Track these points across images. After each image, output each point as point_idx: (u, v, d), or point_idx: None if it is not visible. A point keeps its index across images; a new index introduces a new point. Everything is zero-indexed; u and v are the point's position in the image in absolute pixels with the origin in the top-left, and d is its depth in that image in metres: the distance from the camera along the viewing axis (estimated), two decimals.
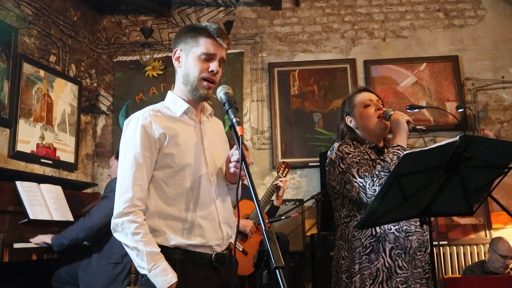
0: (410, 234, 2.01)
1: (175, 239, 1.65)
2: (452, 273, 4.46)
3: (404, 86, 5.02)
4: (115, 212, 1.63)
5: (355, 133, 2.22)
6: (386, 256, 1.98)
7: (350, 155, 2.06)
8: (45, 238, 3.24)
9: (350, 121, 2.22)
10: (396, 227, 2.01)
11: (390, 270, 1.97)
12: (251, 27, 5.30)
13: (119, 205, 1.63)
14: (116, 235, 1.64)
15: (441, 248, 4.55)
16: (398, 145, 2.04)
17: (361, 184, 1.98)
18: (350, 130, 2.23)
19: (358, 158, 2.05)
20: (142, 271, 1.60)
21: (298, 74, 5.12)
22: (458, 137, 1.61)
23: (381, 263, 1.98)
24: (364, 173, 1.98)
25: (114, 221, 1.63)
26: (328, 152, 2.18)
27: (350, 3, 5.28)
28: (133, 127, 1.70)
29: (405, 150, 2.00)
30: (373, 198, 1.91)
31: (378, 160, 2.03)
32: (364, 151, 2.12)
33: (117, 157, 3.71)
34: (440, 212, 1.87)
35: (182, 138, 1.72)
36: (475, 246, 4.54)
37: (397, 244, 1.99)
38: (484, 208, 4.61)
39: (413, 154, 1.60)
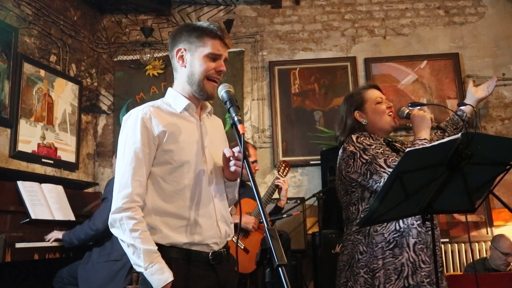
0: (429, 229, 2.04)
1: (171, 237, 1.64)
2: (453, 271, 4.47)
3: (405, 84, 5.01)
4: (113, 207, 1.62)
5: (364, 129, 2.23)
6: (410, 250, 2.02)
7: (373, 146, 2.08)
8: (58, 234, 3.36)
9: (360, 116, 2.23)
10: (418, 222, 2.04)
11: (414, 264, 2.01)
12: (251, 26, 5.30)
13: (117, 200, 1.61)
14: (113, 230, 1.63)
15: (442, 245, 4.55)
16: (425, 138, 2.09)
17: None
18: (359, 125, 2.24)
19: (382, 149, 2.07)
20: (138, 269, 1.59)
21: (298, 73, 5.11)
22: (460, 134, 1.61)
23: (405, 257, 2.01)
24: (394, 163, 1.99)
25: (112, 217, 1.61)
26: (344, 145, 2.19)
27: (350, 1, 5.27)
28: (133, 122, 1.69)
29: None
30: None
31: None
32: (383, 143, 2.14)
33: None
34: (442, 209, 1.89)
35: (182, 135, 1.72)
36: (476, 244, 4.55)
37: (419, 239, 2.03)
38: (486, 205, 4.60)
39: (415, 151, 1.60)
